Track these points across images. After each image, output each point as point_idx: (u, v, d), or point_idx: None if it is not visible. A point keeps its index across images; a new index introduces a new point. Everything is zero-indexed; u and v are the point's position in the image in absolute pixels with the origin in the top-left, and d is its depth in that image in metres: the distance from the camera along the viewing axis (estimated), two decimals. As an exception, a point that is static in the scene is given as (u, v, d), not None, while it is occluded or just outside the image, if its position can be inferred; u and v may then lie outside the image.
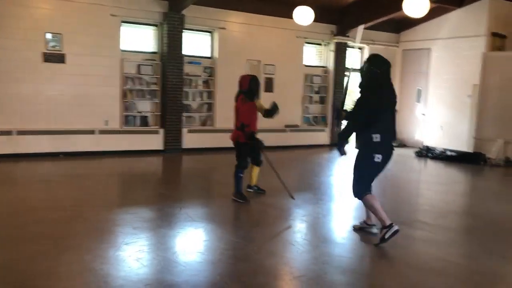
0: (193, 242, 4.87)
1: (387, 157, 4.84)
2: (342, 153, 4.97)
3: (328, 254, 4.57)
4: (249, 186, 6.90)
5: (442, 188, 8.41)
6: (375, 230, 5.14)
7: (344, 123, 5.22)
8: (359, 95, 4.89)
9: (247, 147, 6.43)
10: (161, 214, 5.80)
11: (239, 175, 6.41)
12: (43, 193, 6.73)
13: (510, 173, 9.95)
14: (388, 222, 4.74)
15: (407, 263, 4.45)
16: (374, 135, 4.70)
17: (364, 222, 5.30)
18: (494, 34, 12.19)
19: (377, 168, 4.87)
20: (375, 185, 5.11)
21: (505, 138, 10.97)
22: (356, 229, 5.31)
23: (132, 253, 4.36)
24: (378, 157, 4.75)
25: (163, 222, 5.43)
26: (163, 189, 7.65)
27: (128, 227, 5.14)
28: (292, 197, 6.53)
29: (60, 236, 4.80)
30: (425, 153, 12.09)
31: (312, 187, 7.96)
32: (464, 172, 10.24)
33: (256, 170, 6.82)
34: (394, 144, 5.00)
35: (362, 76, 4.90)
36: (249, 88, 6.42)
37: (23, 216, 5.46)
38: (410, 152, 12.53)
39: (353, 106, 4.94)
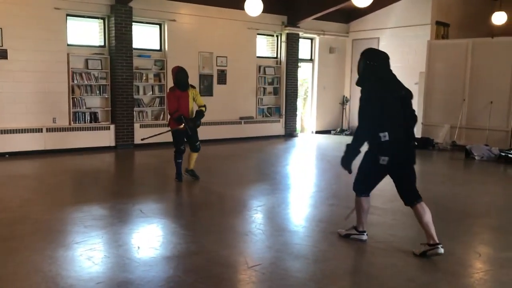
0: (147, 238, 4.80)
1: (399, 158, 4.26)
2: (349, 170, 4.39)
3: (283, 243, 4.62)
4: (186, 170, 7.36)
5: (392, 173, 8.64)
6: (364, 237, 4.70)
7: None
8: (360, 95, 4.40)
9: (179, 133, 7.03)
10: (114, 212, 5.68)
11: (177, 161, 7.17)
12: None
13: (457, 156, 10.35)
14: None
15: (358, 247, 4.56)
16: (381, 134, 4.15)
17: (354, 228, 4.76)
18: (438, 23, 12.63)
19: (383, 171, 4.35)
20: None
21: (451, 123, 11.40)
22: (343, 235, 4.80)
23: (83, 251, 4.25)
24: (383, 159, 4.20)
25: (115, 220, 5.33)
26: (115, 186, 7.50)
27: (79, 226, 5.01)
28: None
29: (6, 237, 4.62)
30: (377, 140, 12.37)
31: (268, 178, 8.01)
32: (414, 157, 10.56)
33: (193, 156, 7.30)
34: (414, 143, 4.38)
35: (359, 73, 4.47)
36: (175, 79, 7.09)
37: (-34, 219, 5.22)
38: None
39: (358, 109, 4.37)
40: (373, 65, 4.34)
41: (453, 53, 11.63)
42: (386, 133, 4.14)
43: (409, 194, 4.40)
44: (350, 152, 4.32)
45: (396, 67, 14.10)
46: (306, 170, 9.14)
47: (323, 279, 3.81)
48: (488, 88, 10.99)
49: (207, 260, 4.11)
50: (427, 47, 11.92)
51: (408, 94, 4.35)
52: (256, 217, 5.65)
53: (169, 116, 7.38)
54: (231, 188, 6.95)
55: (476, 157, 9.89)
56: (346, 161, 4.34)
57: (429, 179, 8.28)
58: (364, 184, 4.52)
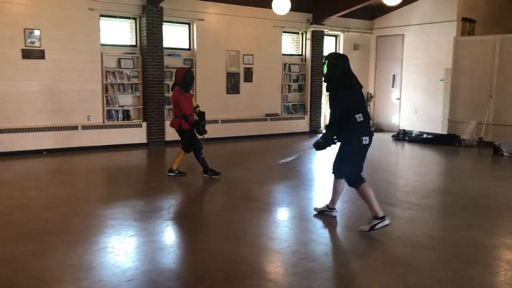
0: (193, 231, 5.02)
1: (370, 138, 4.89)
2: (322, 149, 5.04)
3: (323, 237, 4.80)
4: (170, 170, 7.41)
5: (421, 169, 8.76)
6: (334, 213, 5.38)
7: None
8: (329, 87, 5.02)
9: (191, 131, 7.17)
10: (157, 206, 5.90)
11: (202, 156, 7.19)
12: (34, 191, 6.73)
13: (485, 152, 10.38)
14: (381, 214, 4.78)
15: (396, 242, 4.71)
16: (357, 115, 4.78)
17: (327, 206, 5.44)
18: (464, 19, 12.62)
19: (365, 151, 4.92)
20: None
21: (478, 119, 11.42)
22: (317, 212, 5.49)
23: (139, 244, 4.49)
24: (365, 139, 4.81)
25: (159, 213, 5.54)
26: (153, 181, 7.73)
27: (128, 220, 5.25)
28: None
29: (62, 231, 4.88)
30: (402, 136, 12.48)
31: (297, 174, 8.18)
32: (441, 154, 10.65)
33: (182, 156, 7.38)
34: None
35: (328, 72, 4.98)
36: (183, 80, 7.06)
37: (19, 213, 5.50)
38: (387, 136, 12.91)
39: (330, 101, 4.96)
40: (343, 65, 4.99)
41: (480, 50, 11.63)
42: (360, 115, 4.81)
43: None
44: (328, 139, 4.98)
45: (420, 63, 14.32)
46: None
47: (368, 271, 3.98)
48: (515, 85, 10.99)
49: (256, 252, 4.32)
50: (454, 44, 11.94)
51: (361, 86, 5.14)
52: (295, 212, 5.83)
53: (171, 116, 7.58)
54: (264, 184, 7.15)
55: (505, 154, 9.92)
56: (322, 147, 5.02)
57: (461, 176, 8.39)
58: (355, 172, 4.93)
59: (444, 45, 12.54)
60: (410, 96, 13.84)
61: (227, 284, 3.67)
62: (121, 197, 6.42)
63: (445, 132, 12.15)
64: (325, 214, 5.42)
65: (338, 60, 5.03)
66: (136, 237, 4.69)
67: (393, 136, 12.75)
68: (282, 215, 5.72)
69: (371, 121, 5.19)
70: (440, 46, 12.80)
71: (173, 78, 7.52)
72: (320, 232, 5.03)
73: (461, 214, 5.69)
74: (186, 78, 7.08)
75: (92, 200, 6.23)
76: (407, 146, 11.67)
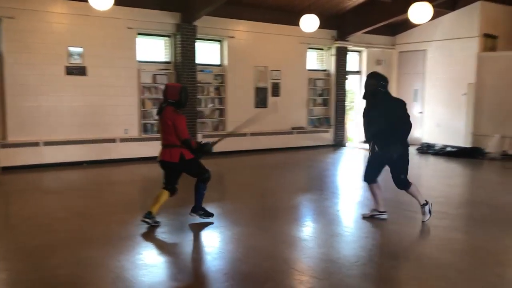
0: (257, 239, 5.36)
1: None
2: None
3: (369, 244, 5.12)
4: (148, 215, 5.58)
5: (450, 182, 9.04)
6: (384, 216, 5.93)
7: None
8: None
9: (195, 160, 5.68)
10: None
11: (204, 191, 5.81)
12: (85, 200, 7.14)
13: (509, 165, 10.62)
14: (423, 201, 5.83)
15: (436, 245, 5.02)
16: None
17: (375, 209, 5.99)
18: (486, 35, 12.93)
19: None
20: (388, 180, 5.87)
21: (502, 133, 11.67)
22: (367, 217, 6.02)
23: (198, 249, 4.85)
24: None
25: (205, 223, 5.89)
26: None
27: (186, 226, 5.61)
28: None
29: (123, 236, 5.26)
30: (426, 149, 12.76)
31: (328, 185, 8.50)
32: (465, 166, 10.90)
33: (165, 198, 5.70)
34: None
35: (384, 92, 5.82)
36: (179, 98, 5.57)
37: (77, 220, 5.90)
38: (411, 149, 13.13)
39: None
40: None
41: (503, 65, 11.93)
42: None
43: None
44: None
45: (442, 78, 14.59)
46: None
47: (419, 274, 4.30)
48: (539, 99, 11.25)
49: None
50: (477, 59, 12.25)
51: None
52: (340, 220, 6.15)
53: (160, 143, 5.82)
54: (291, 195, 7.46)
55: (530, 166, 10.16)
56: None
57: (490, 188, 8.64)
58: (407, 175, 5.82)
59: (466, 60, 12.83)
60: (433, 110, 14.11)
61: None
62: (175, 205, 6.73)
63: (468, 146, 12.40)
64: (375, 217, 5.95)
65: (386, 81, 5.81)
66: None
67: (417, 149, 13.02)
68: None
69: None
70: (462, 61, 13.09)
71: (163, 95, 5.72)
72: (364, 236, 5.34)
73: (496, 223, 5.96)
74: (182, 97, 5.57)
75: (142, 209, 6.59)
76: (432, 159, 11.94)
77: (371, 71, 6.20)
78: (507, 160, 11.28)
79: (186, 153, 5.54)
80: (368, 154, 6.06)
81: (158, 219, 5.65)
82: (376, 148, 5.77)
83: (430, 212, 5.82)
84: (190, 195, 5.86)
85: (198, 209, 5.83)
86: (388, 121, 5.61)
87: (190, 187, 5.84)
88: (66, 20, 9.82)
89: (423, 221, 5.78)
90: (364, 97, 5.86)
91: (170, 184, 5.71)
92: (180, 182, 5.79)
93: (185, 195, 6.15)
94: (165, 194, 5.69)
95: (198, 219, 5.79)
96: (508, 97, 11.71)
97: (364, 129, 6.01)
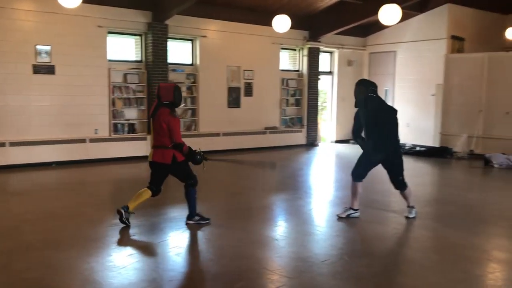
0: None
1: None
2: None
3: (340, 242, 5.18)
4: (127, 208, 5.57)
5: (418, 180, 9.17)
6: (358, 214, 6.09)
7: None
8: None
9: (186, 164, 5.63)
10: (169, 218, 6.21)
11: (195, 195, 5.68)
12: (54, 201, 6.99)
13: (476, 164, 10.90)
14: (412, 204, 6.14)
15: (406, 243, 5.12)
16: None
17: (350, 208, 6.10)
18: (454, 37, 13.25)
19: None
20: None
21: (469, 133, 11.98)
22: (343, 217, 6.05)
23: (170, 249, 4.82)
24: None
25: (171, 224, 5.86)
26: (169, 191, 8.01)
27: (157, 228, 5.57)
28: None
29: (94, 238, 5.18)
30: (396, 149, 12.95)
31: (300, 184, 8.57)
32: (434, 165, 11.15)
33: (146, 197, 5.67)
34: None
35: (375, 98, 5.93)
36: (174, 99, 5.45)
37: (46, 222, 5.78)
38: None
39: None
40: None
41: (469, 66, 12.25)
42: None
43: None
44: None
45: (412, 79, 14.87)
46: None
47: (389, 271, 4.37)
48: (503, 100, 11.59)
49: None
50: (444, 61, 12.55)
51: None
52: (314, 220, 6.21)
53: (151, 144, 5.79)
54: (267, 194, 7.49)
55: (495, 165, 10.45)
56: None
57: (457, 186, 8.86)
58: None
59: (435, 61, 13.12)
60: (402, 111, 14.28)
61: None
62: (141, 207, 6.70)
63: (436, 145, 12.68)
64: (352, 215, 6.06)
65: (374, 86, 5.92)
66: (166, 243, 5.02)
67: (387, 148, 13.21)
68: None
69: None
70: (431, 62, 13.38)
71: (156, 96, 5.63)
72: (336, 234, 5.40)
73: (462, 221, 6.12)
74: (176, 97, 5.46)
75: (112, 210, 6.50)
76: (402, 158, 12.13)
77: (360, 78, 6.47)
78: (473, 159, 11.57)
79: (179, 155, 5.48)
80: (360, 153, 6.13)
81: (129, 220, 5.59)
82: (368, 148, 5.92)
83: (415, 213, 6.11)
84: (160, 195, 5.81)
85: (194, 215, 5.71)
86: (379, 126, 5.77)
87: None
88: (34, 18, 9.61)
89: (407, 217, 6.05)
90: (356, 105, 5.95)
91: (155, 186, 5.68)
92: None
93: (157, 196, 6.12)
94: (147, 193, 5.65)
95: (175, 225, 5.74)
96: (475, 97, 12.02)
97: (355, 132, 6.13)
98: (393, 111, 5.90)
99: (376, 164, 6.01)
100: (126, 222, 5.53)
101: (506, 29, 13.19)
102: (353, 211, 6.08)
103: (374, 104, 5.79)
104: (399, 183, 5.98)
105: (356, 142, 6.20)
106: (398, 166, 5.94)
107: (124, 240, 5.14)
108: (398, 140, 5.94)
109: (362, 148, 6.02)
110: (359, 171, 6.03)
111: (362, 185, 6.10)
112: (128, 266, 4.36)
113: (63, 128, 10.06)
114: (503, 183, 9.31)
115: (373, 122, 5.79)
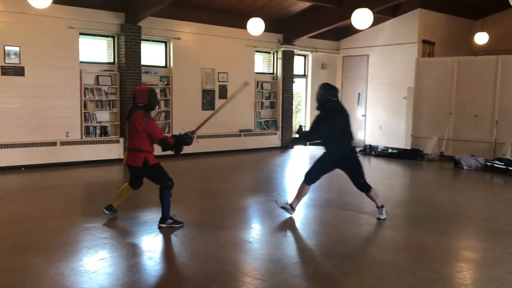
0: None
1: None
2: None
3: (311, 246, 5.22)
4: (111, 208, 5.95)
5: (390, 182, 9.36)
6: (292, 213, 6.20)
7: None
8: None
9: (159, 167, 5.66)
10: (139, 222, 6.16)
11: (170, 198, 5.62)
12: (23, 205, 6.83)
13: (446, 166, 11.14)
14: (380, 204, 6.20)
15: (376, 244, 5.19)
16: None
17: (290, 205, 6.21)
18: (424, 41, 13.53)
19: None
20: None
21: (439, 135, 12.24)
22: (280, 206, 6.25)
23: (145, 252, 4.77)
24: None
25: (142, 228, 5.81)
26: (141, 195, 7.94)
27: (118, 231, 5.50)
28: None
29: (65, 242, 5.09)
30: (369, 151, 13.16)
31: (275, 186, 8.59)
32: (405, 167, 11.34)
33: (126, 193, 5.97)
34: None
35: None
36: (148, 102, 5.59)
37: (14, 227, 5.65)
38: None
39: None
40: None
41: (439, 70, 12.52)
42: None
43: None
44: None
45: (384, 82, 15.14)
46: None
47: (356, 272, 4.42)
48: (472, 103, 11.88)
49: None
50: (416, 64, 12.79)
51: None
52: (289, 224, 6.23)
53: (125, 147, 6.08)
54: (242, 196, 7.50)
55: (464, 167, 10.69)
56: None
57: (427, 188, 9.03)
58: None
59: (406, 65, 13.36)
60: (375, 113, 14.60)
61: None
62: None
63: (408, 147, 12.91)
64: (286, 211, 6.19)
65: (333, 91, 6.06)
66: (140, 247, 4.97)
67: (360, 150, 13.38)
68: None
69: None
70: (403, 66, 13.63)
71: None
72: (308, 236, 5.44)
73: (432, 221, 6.25)
74: (151, 100, 5.61)
75: (83, 214, 6.41)
76: (374, 160, 12.33)
77: (323, 82, 6.54)
78: (444, 161, 11.82)
79: (150, 158, 5.56)
80: (317, 157, 6.25)
81: (99, 223, 5.52)
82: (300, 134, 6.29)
83: (386, 213, 6.19)
84: (133, 199, 5.76)
85: (166, 219, 5.63)
86: (331, 128, 5.91)
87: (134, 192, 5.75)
88: (2, 18, 9.40)
89: (379, 218, 6.13)
90: (317, 108, 6.15)
91: (135, 185, 5.93)
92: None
93: (130, 199, 6.08)
94: (128, 189, 5.92)
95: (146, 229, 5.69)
96: (445, 101, 12.29)
97: (310, 132, 6.28)
98: (338, 112, 5.99)
99: (331, 170, 6.17)
100: (113, 212, 5.95)
101: (475, 34, 13.55)
102: (290, 210, 6.18)
103: (330, 107, 5.97)
104: (362, 186, 6.12)
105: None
106: (357, 170, 6.09)
107: (95, 245, 5.05)
108: (350, 143, 6.08)
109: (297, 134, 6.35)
110: (312, 173, 6.15)
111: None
112: (100, 270, 4.30)
113: (33, 131, 9.85)
114: (472, 184, 9.53)
115: (326, 122, 5.98)
